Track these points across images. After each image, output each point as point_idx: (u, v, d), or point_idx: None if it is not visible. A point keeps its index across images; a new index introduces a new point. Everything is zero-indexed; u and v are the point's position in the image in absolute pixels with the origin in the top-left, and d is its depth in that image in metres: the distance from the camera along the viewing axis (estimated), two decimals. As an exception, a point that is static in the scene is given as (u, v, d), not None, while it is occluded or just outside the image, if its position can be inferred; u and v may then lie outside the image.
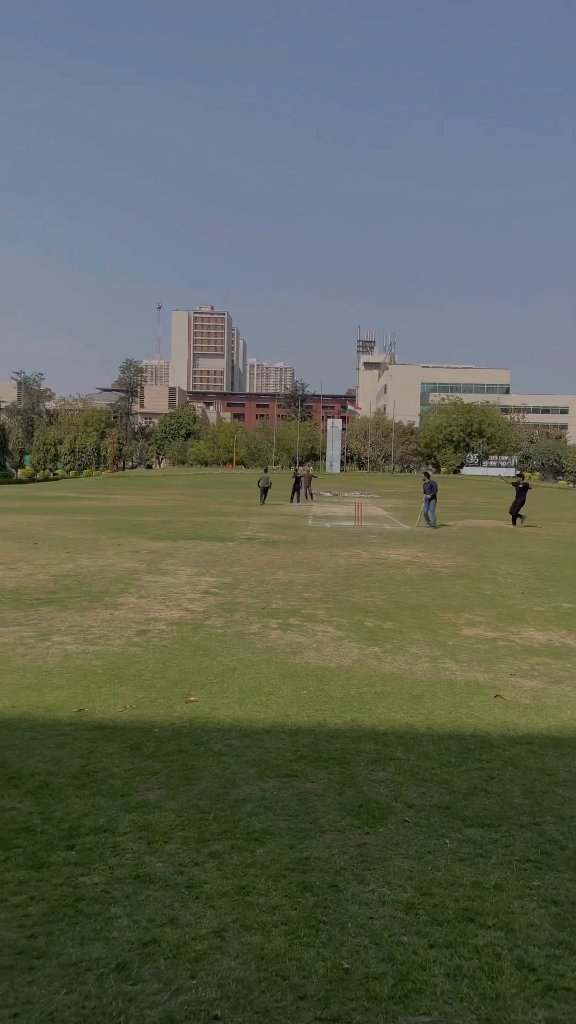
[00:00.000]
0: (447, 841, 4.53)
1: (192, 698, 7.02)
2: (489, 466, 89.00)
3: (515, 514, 26.37)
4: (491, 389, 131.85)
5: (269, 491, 38.39)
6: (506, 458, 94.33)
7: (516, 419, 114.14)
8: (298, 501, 38.63)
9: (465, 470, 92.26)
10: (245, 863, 4.21)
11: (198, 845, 4.40)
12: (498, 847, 4.48)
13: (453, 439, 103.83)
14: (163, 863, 4.19)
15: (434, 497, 25.91)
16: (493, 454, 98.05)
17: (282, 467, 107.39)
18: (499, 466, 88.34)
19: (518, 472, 27.14)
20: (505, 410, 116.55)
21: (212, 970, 3.32)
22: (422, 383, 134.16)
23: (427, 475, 27.82)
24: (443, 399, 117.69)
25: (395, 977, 3.31)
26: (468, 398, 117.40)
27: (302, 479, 41.60)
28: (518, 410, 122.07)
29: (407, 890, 4.00)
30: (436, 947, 3.54)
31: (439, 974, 3.34)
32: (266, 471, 40.90)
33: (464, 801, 5.07)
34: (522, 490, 26.24)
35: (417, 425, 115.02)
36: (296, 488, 39.07)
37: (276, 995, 3.18)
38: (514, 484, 26.83)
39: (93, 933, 3.58)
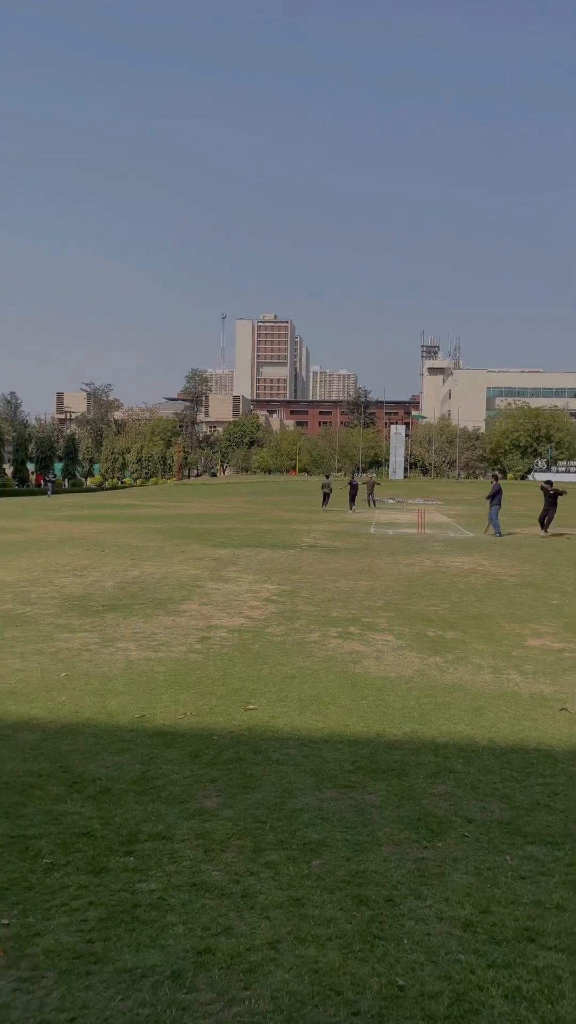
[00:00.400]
0: (508, 858, 4.43)
1: (251, 706, 7.04)
2: (558, 471, 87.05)
3: (542, 521, 25.04)
4: (560, 393, 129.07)
5: (330, 496, 39.10)
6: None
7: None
8: (353, 507, 38.46)
9: (533, 476, 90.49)
10: (300, 874, 4.20)
11: (254, 855, 4.40)
12: (561, 865, 4.36)
13: (520, 444, 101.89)
14: (219, 872, 4.21)
15: (495, 499, 25.29)
16: (562, 460, 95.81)
17: (344, 473, 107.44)
18: (568, 472, 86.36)
19: (548, 480, 25.80)
20: (575, 414, 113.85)
21: (266, 982, 3.32)
22: (488, 388, 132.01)
23: (496, 477, 27.36)
24: (510, 404, 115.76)
25: (451, 997, 3.25)
26: (536, 402, 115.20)
27: (361, 486, 41.88)
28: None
29: (465, 907, 3.93)
30: (495, 967, 3.46)
31: (497, 995, 3.27)
32: (327, 477, 41.59)
33: (526, 817, 4.95)
34: (552, 497, 24.92)
35: (483, 430, 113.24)
36: (352, 496, 38.91)
37: (329, 1010, 3.15)
38: (543, 490, 25.58)
39: (149, 940, 3.61)
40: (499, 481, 26.37)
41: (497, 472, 76.44)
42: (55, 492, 62.23)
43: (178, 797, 5.14)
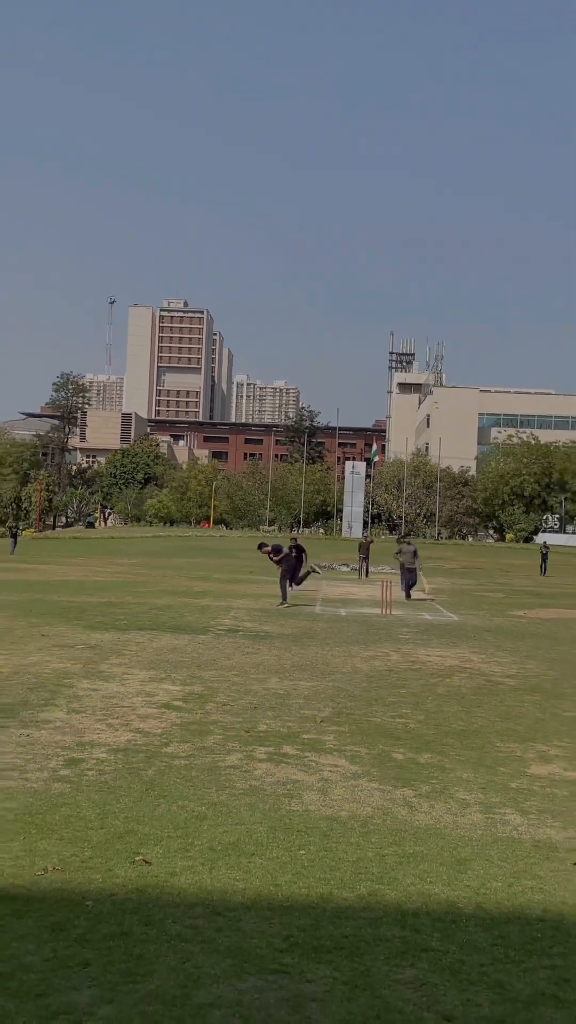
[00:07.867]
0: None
1: (141, 858, 7.05)
2: (575, 533, 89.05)
3: None
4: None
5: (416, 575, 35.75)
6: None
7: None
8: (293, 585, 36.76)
9: (541, 537, 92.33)
10: None
11: (144, 1071, 4.32)
12: None
13: (524, 494, 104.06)
14: None
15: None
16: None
17: (280, 529, 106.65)
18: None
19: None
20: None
21: None
22: (480, 414, 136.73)
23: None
24: (511, 436, 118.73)
25: None
26: (546, 436, 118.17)
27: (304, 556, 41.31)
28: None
29: None
30: None
31: None
32: (406, 542, 39.36)
33: (526, 1013, 5.02)
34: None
35: (473, 472, 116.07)
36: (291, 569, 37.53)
37: None
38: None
39: None
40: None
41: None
42: None
43: (35, 989, 5.07)
